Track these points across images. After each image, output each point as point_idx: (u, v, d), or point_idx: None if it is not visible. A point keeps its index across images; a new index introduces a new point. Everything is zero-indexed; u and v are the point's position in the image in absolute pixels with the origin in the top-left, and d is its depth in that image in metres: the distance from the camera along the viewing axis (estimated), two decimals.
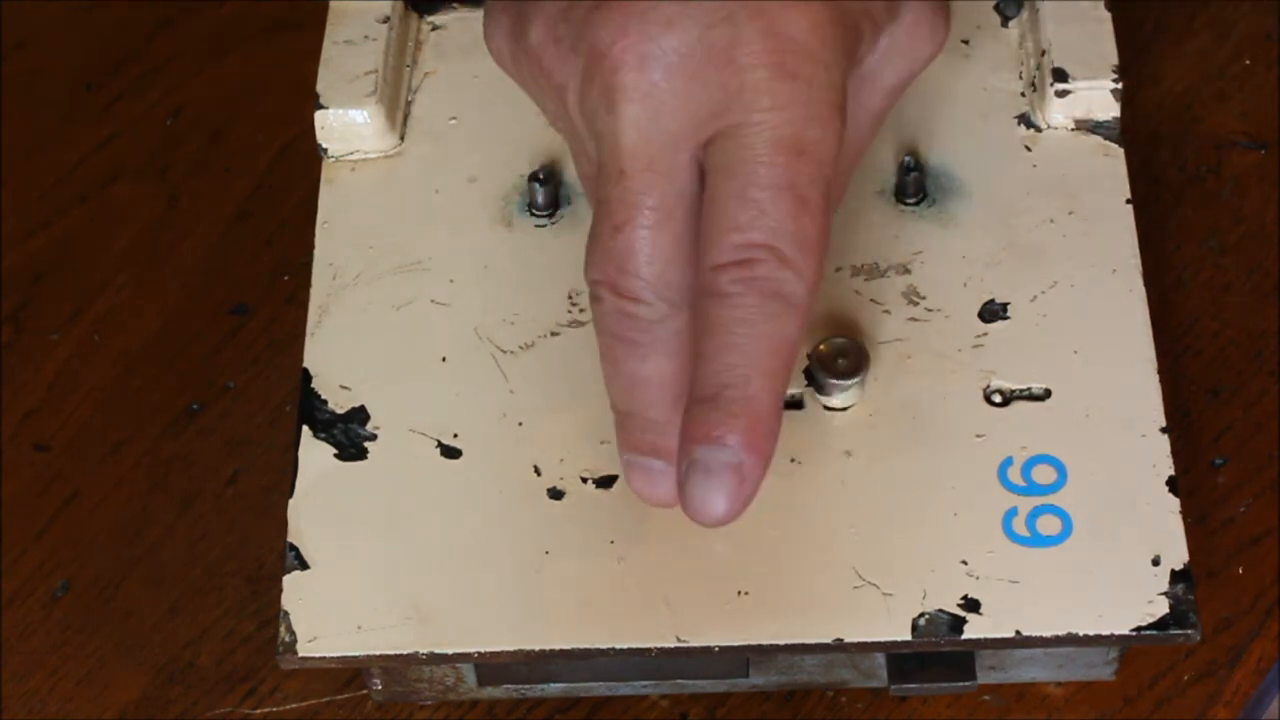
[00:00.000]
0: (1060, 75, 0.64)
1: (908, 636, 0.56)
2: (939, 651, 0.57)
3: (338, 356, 0.61)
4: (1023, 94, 0.65)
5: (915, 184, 0.63)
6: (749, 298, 0.50)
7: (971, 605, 0.56)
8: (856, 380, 0.59)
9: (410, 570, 0.57)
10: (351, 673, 0.61)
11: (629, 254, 0.51)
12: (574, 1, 0.52)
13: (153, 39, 0.75)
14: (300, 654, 0.56)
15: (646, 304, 0.52)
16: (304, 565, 0.57)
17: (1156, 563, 0.56)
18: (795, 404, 0.59)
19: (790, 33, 0.50)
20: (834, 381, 0.59)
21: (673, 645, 0.56)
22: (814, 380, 0.60)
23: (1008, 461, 0.58)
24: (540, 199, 0.64)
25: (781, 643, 0.56)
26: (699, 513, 0.51)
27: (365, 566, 0.57)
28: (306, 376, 0.61)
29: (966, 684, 0.58)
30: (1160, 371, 0.60)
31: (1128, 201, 0.63)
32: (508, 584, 0.57)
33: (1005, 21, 0.67)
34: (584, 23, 0.51)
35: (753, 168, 0.50)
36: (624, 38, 0.51)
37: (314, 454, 0.59)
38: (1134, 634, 0.56)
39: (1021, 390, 0.60)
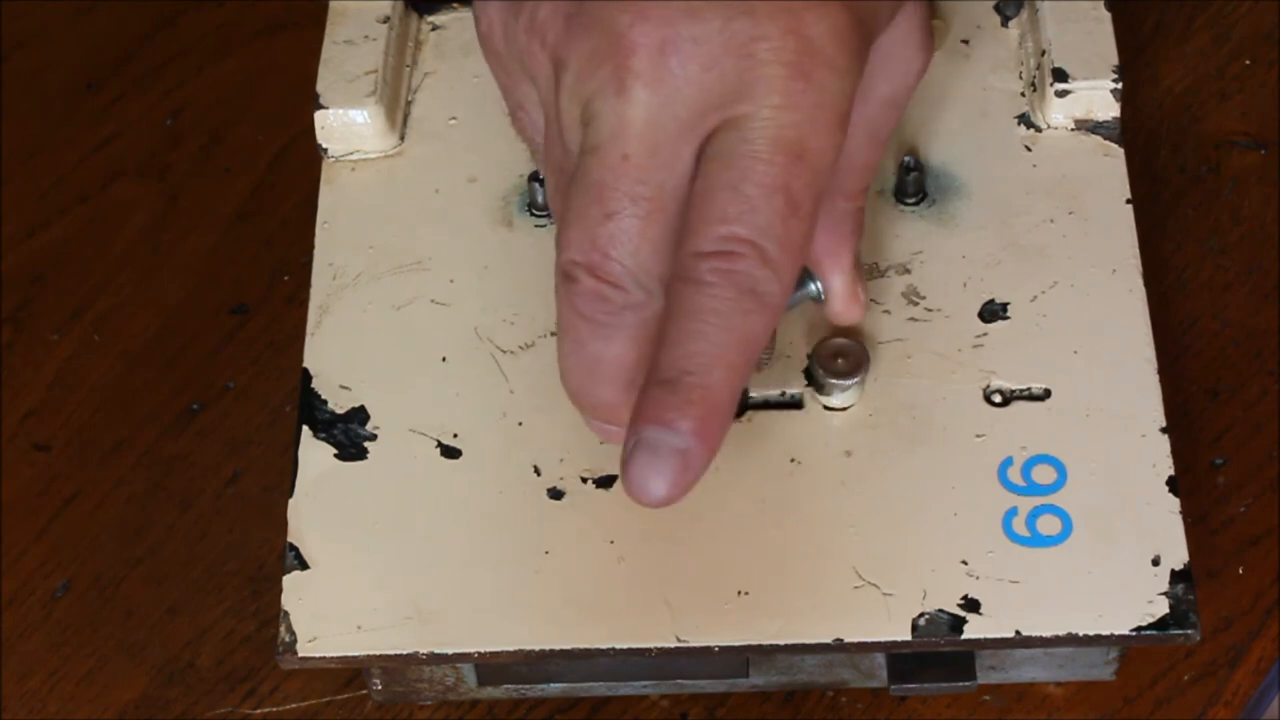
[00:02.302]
0: (1060, 75, 0.64)
1: (908, 636, 0.56)
2: (939, 651, 0.57)
3: (338, 356, 0.61)
4: (1023, 94, 0.65)
5: (915, 184, 0.63)
6: (725, 290, 0.50)
7: (971, 605, 0.56)
8: (856, 380, 0.59)
9: (410, 570, 0.57)
10: (351, 673, 0.61)
11: (616, 241, 0.51)
12: None
13: (153, 39, 0.75)
14: (300, 654, 0.56)
15: (624, 290, 0.51)
16: (304, 565, 0.57)
17: (1156, 563, 0.56)
18: (795, 404, 0.59)
19: (810, 35, 0.50)
20: (834, 381, 0.59)
21: (673, 645, 0.56)
22: (814, 380, 0.60)
23: (1008, 461, 0.58)
24: (540, 199, 0.63)
25: (781, 643, 0.56)
26: (639, 492, 0.51)
27: (365, 566, 0.57)
28: (306, 376, 0.61)
29: (966, 684, 0.58)
30: (1160, 371, 0.60)
31: (1128, 201, 0.63)
32: (507, 584, 0.57)
33: (1005, 21, 0.67)
34: (601, 2, 0.51)
35: (751, 163, 0.50)
36: (644, 22, 0.50)
37: (314, 454, 0.59)
38: (1134, 634, 0.56)
39: (1021, 390, 0.60)
